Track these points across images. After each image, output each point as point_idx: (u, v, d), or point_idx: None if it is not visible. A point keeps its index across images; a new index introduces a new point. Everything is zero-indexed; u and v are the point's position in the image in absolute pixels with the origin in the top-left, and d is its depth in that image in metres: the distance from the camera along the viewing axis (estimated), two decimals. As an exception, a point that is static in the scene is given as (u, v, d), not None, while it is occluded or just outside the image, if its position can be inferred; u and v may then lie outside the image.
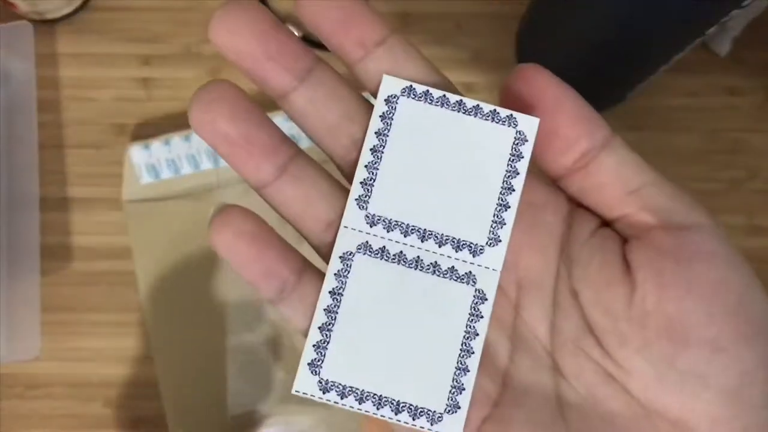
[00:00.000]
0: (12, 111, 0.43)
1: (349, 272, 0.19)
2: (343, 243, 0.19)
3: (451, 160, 0.19)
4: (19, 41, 0.43)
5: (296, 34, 0.44)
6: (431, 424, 0.18)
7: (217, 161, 0.43)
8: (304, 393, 0.18)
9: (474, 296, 0.19)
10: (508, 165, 0.19)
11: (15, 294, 0.41)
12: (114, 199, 0.43)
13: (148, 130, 0.44)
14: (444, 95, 0.19)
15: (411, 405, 0.18)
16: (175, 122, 0.44)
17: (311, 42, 0.45)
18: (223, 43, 0.19)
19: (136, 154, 0.42)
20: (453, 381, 0.18)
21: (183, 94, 0.44)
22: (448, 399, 0.18)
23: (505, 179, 0.19)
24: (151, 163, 0.42)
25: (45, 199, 0.43)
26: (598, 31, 0.36)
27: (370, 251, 0.19)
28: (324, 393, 0.18)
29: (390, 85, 0.19)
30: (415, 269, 0.19)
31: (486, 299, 0.19)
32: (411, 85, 0.19)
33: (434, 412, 0.18)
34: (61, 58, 0.44)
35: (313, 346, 0.18)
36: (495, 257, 0.19)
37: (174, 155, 0.43)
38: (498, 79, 0.45)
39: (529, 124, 0.19)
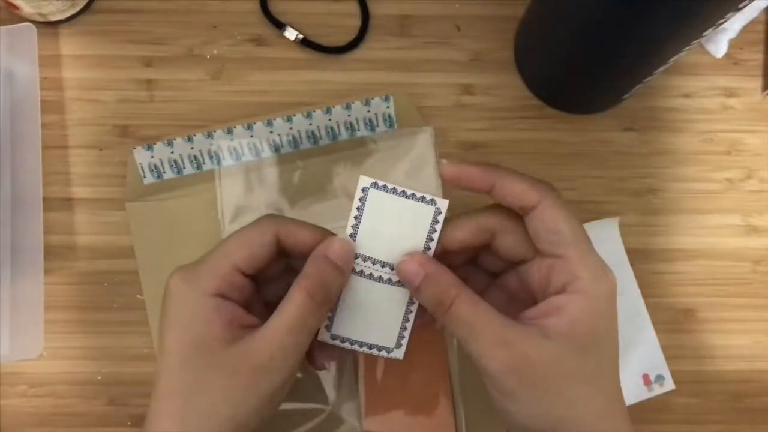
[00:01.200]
0: (16, 112, 0.43)
1: (347, 287, 0.32)
2: None
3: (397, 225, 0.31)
4: (22, 43, 0.44)
5: (297, 34, 0.45)
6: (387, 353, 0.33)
7: (219, 161, 0.43)
8: (321, 339, 0.32)
9: (408, 294, 0.32)
10: (430, 228, 0.31)
11: (19, 293, 0.42)
12: (117, 199, 0.43)
13: (150, 131, 0.44)
14: (394, 187, 0.31)
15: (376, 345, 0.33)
16: (178, 123, 0.44)
17: (311, 44, 0.45)
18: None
19: (139, 154, 0.43)
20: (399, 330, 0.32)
21: (185, 96, 0.45)
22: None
23: (429, 234, 0.31)
24: (153, 163, 0.43)
25: (48, 199, 0.43)
26: (596, 34, 0.36)
27: (355, 272, 0.32)
28: (332, 340, 0.32)
29: (364, 180, 0.31)
30: (377, 282, 0.32)
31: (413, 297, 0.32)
32: (375, 182, 0.31)
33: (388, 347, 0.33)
34: (65, 59, 0.45)
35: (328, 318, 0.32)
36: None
37: (176, 156, 0.43)
38: (496, 80, 0.45)
39: (443, 203, 0.31)
